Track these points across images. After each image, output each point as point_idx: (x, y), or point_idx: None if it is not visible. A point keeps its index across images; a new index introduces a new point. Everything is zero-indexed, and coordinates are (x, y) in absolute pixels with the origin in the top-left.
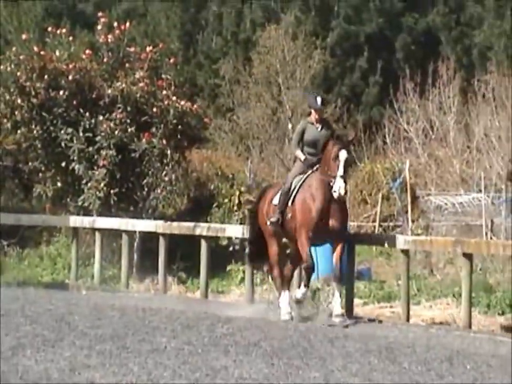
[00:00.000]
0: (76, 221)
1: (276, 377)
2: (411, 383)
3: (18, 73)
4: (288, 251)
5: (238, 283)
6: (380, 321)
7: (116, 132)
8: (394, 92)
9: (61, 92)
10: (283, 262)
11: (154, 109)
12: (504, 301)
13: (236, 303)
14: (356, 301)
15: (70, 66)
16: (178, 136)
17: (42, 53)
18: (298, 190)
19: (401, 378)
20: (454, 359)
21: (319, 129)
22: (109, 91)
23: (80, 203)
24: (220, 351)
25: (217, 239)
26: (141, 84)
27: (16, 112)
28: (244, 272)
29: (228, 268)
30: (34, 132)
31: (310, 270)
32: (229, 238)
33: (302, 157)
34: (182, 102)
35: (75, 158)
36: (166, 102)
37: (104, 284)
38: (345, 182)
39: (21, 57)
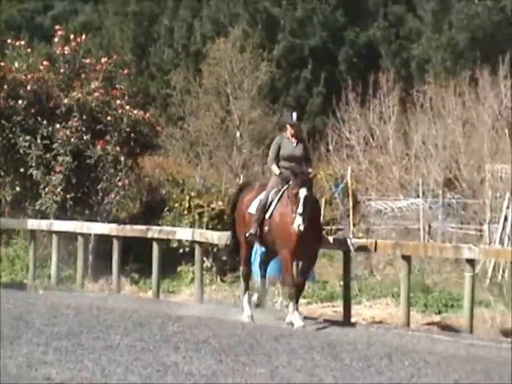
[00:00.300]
0: (33, 224)
1: (224, 373)
2: (352, 379)
3: None
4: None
5: (188, 283)
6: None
7: (72, 139)
8: (337, 102)
9: (20, 101)
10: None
11: (109, 118)
12: (441, 300)
13: (186, 302)
14: (300, 300)
15: (29, 76)
16: (132, 144)
17: (1, 64)
18: (276, 205)
19: (343, 374)
20: (393, 355)
21: (294, 144)
22: (66, 100)
23: (38, 207)
24: (170, 348)
25: (168, 242)
26: (96, 94)
27: None
28: (193, 273)
29: (179, 269)
30: None
31: (291, 285)
32: (179, 241)
33: (277, 172)
34: (135, 111)
35: (33, 164)
36: (119, 111)
37: (61, 284)
38: (303, 218)
39: None
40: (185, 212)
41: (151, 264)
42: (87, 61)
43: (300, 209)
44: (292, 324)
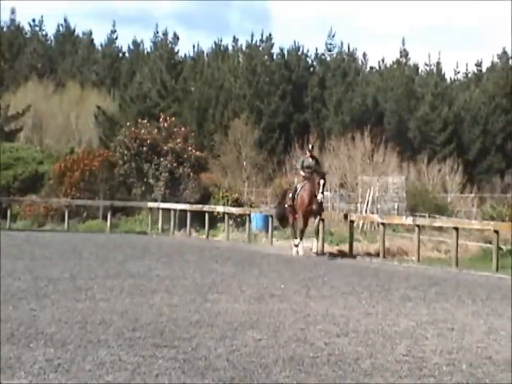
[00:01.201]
0: (151, 204)
1: (238, 272)
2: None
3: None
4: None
5: (221, 232)
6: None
7: (168, 165)
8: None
9: (145, 148)
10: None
11: (185, 156)
12: (338, 239)
13: (221, 240)
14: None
15: (149, 137)
16: (196, 167)
17: (142, 131)
18: (299, 191)
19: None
20: (317, 263)
21: (310, 160)
22: (165, 147)
23: (153, 196)
24: (213, 261)
25: (212, 213)
26: (179, 145)
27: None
28: (223, 227)
29: (218, 225)
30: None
31: (302, 230)
32: (218, 212)
33: (303, 174)
34: (197, 152)
35: (151, 177)
36: (190, 152)
37: (163, 233)
38: (322, 193)
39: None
40: (221, 198)
41: (205, 223)
42: (175, 129)
43: (320, 190)
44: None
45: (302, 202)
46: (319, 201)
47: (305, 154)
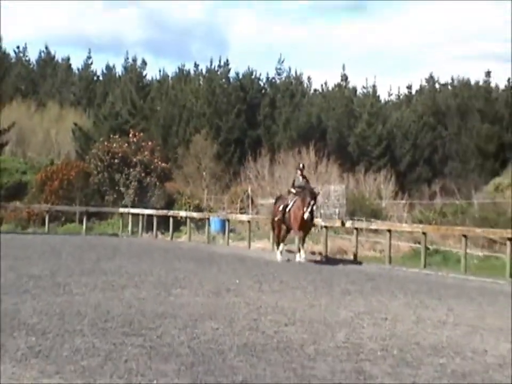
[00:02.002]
0: (121, 210)
1: (200, 269)
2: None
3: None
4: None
5: (184, 234)
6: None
7: (137, 175)
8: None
9: (117, 160)
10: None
11: (152, 166)
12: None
13: (183, 241)
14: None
15: (120, 150)
16: (162, 177)
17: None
18: (291, 207)
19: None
20: (268, 263)
21: (300, 179)
22: (134, 159)
23: (123, 203)
24: (177, 259)
25: (176, 217)
26: (147, 157)
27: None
28: (186, 230)
29: (181, 228)
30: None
31: (302, 237)
32: (181, 217)
33: (294, 191)
34: (163, 164)
35: (122, 185)
36: (156, 164)
37: (132, 235)
38: (310, 213)
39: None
40: (184, 204)
41: (169, 226)
42: (143, 143)
43: (308, 209)
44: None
45: (295, 218)
46: (305, 219)
47: (296, 173)
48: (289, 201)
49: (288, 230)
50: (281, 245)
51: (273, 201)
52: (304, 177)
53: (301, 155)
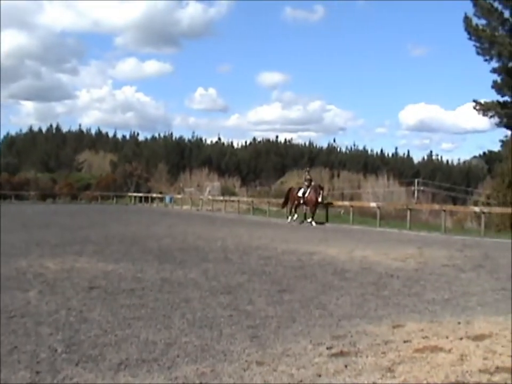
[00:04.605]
0: None
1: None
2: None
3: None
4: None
5: None
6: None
7: None
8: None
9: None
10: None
11: None
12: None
13: None
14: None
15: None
16: None
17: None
18: (308, 194)
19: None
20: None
21: (308, 176)
22: None
23: None
24: None
25: None
26: None
27: None
28: None
29: None
30: None
31: (314, 207)
32: None
33: (306, 184)
34: None
35: None
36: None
37: None
38: (322, 197)
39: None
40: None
41: (149, 201)
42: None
43: (320, 195)
44: (311, 223)
45: (311, 200)
46: (320, 201)
47: (306, 173)
48: (306, 190)
49: (298, 205)
50: (294, 215)
51: (286, 191)
52: (309, 175)
53: None
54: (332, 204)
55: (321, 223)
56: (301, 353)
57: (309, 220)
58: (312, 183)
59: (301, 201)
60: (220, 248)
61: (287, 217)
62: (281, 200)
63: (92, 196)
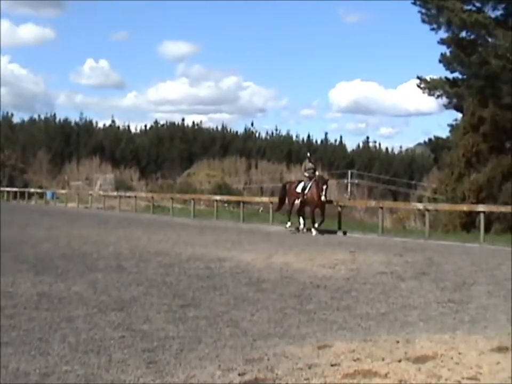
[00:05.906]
0: None
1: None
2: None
3: None
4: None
5: None
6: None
7: None
8: None
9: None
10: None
11: None
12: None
13: None
14: None
15: None
16: None
17: None
18: (308, 191)
19: None
20: None
21: (310, 164)
22: None
23: None
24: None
25: None
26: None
27: None
28: None
29: None
30: None
31: (315, 208)
32: None
33: (306, 175)
34: None
35: None
36: None
37: None
38: (325, 195)
39: None
40: (37, 187)
41: (25, 197)
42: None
43: (324, 192)
44: (311, 231)
45: (312, 199)
46: (323, 199)
47: (306, 160)
48: (307, 185)
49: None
50: (299, 221)
51: (283, 185)
52: (311, 162)
53: None
54: (331, 201)
55: (329, 232)
56: (208, 381)
57: (304, 226)
58: (316, 174)
59: (301, 199)
60: (111, 254)
61: (286, 223)
62: (187, 196)
63: None
